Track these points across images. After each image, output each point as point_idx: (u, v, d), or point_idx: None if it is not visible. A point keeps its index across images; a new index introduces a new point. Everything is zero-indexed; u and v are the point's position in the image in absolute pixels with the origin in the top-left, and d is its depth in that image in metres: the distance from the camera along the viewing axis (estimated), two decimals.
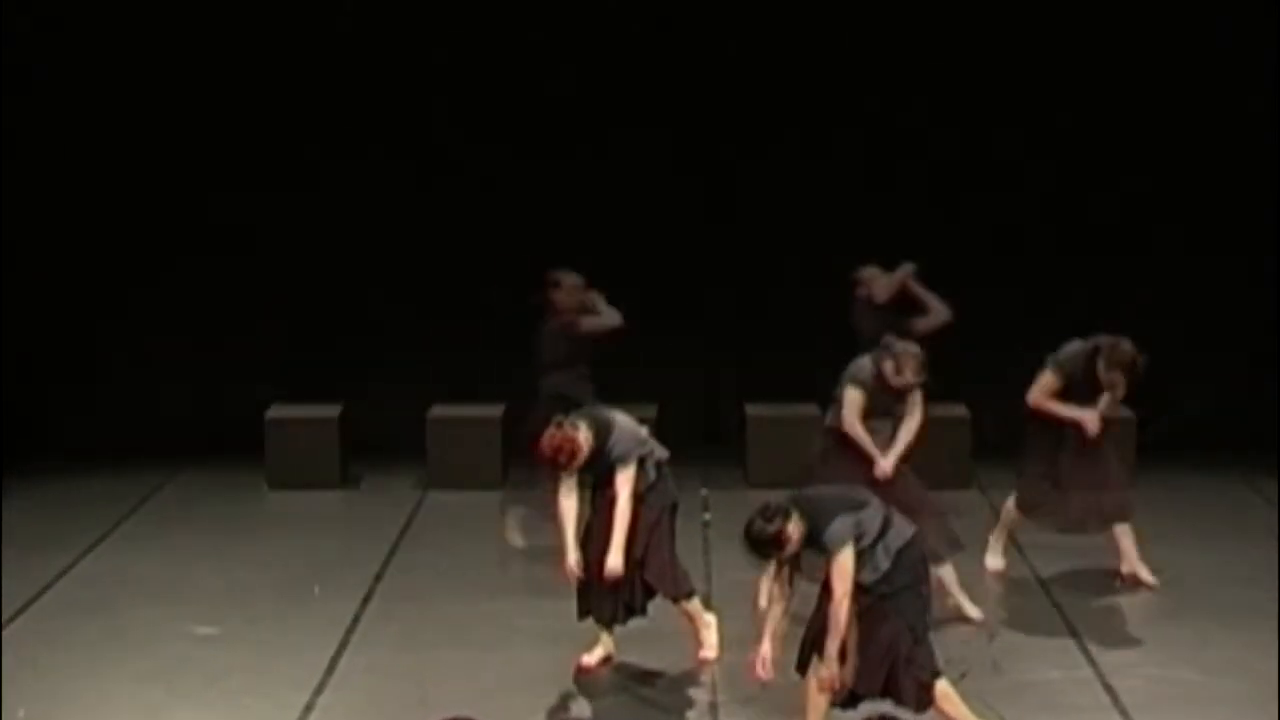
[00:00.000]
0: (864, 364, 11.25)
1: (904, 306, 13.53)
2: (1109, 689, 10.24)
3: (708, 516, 13.49)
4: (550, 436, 10.22)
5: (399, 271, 15.89)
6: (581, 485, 10.52)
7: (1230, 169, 15.60)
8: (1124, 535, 12.08)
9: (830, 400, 11.44)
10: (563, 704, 10.16)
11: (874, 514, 9.11)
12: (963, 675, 10.01)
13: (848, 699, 9.18)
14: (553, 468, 10.31)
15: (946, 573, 11.16)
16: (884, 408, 11.27)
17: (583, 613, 10.61)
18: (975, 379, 14.92)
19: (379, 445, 15.16)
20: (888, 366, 11.13)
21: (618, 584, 10.40)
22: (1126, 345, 11.49)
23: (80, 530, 13.49)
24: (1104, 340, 11.55)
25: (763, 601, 9.43)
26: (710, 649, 10.65)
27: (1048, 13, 15.55)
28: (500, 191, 15.79)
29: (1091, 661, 10.68)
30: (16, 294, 15.62)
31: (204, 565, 12.75)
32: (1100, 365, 11.54)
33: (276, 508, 14.49)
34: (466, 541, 13.35)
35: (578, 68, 15.78)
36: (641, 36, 15.76)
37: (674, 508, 10.63)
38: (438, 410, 14.99)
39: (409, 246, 15.83)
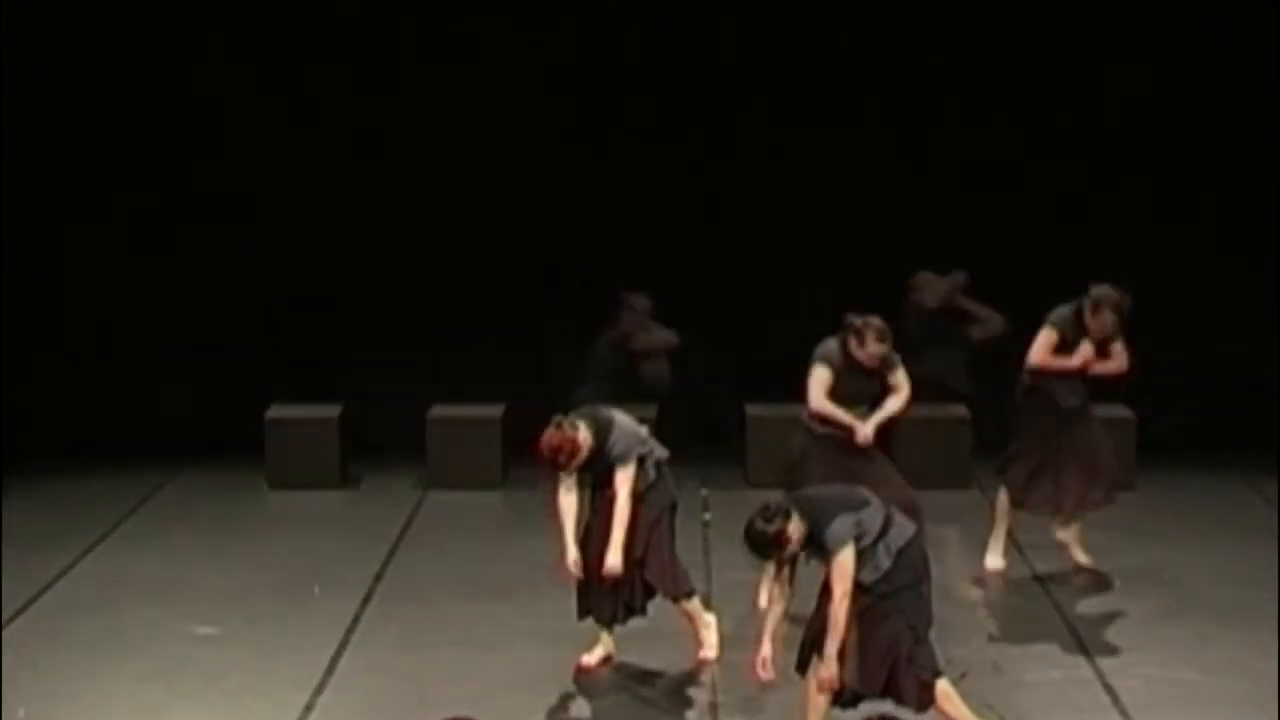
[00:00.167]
0: (830, 344, 11.21)
1: (954, 314, 13.56)
2: (1109, 689, 10.24)
3: (708, 516, 13.49)
4: (549, 436, 10.22)
5: (399, 271, 15.89)
6: (581, 485, 10.52)
7: (1230, 169, 15.61)
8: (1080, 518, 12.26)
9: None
10: (563, 704, 10.15)
11: (874, 513, 9.10)
12: (963, 675, 10.01)
13: (848, 699, 9.18)
14: (552, 467, 10.31)
15: None
16: (859, 391, 11.20)
17: (582, 613, 10.60)
18: (975, 379, 14.94)
19: (379, 445, 15.16)
20: (851, 341, 11.09)
21: (617, 583, 10.40)
22: (1108, 288, 11.64)
23: (80, 530, 13.49)
24: (1089, 293, 11.73)
25: (763, 601, 9.43)
26: (710, 649, 10.64)
27: (1047, 12, 15.55)
28: (501, 192, 15.79)
29: (1091, 661, 10.68)
30: (16, 294, 15.62)
31: (204, 565, 12.74)
32: (1086, 314, 11.67)
33: (276, 508, 14.49)
34: (466, 541, 13.35)
35: (578, 68, 15.78)
36: (642, 37, 15.76)
37: (674, 507, 10.62)
38: (438, 410, 14.99)
39: (409, 246, 15.83)
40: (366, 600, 11.90)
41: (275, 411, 14.98)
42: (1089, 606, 11.71)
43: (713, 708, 10.06)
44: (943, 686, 9.19)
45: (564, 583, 10.63)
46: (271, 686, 10.35)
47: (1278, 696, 10.00)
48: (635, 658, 10.67)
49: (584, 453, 10.27)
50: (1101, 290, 11.72)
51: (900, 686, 9.07)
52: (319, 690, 10.31)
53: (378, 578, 12.40)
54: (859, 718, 9.43)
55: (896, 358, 11.27)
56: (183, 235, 15.84)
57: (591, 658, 10.59)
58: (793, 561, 9.07)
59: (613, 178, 15.77)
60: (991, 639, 11.03)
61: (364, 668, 10.69)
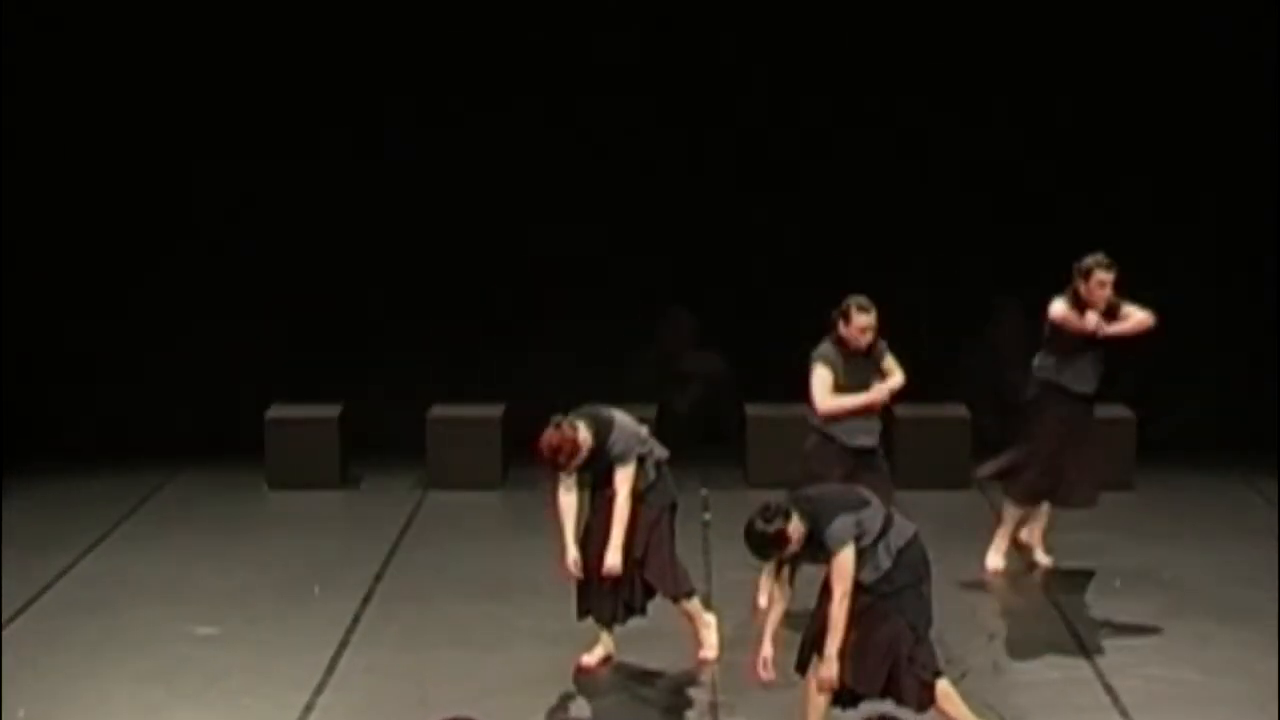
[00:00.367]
0: (822, 346, 11.15)
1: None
2: (1109, 689, 10.24)
3: (708, 516, 13.49)
4: (549, 436, 10.22)
5: (399, 272, 15.89)
6: (581, 485, 10.53)
7: (1230, 169, 15.61)
8: (1043, 517, 12.33)
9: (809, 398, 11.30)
10: (563, 704, 10.15)
11: (875, 513, 9.10)
12: (963, 675, 10.02)
13: (848, 699, 9.18)
14: (552, 467, 10.31)
15: None
16: (863, 383, 11.15)
17: (582, 613, 10.61)
18: (975, 379, 14.95)
19: (379, 445, 15.16)
20: (839, 326, 11.03)
21: (617, 583, 10.40)
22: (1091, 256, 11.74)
23: (80, 530, 13.49)
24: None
25: (763, 601, 9.42)
26: (710, 649, 10.65)
27: (1047, 12, 15.55)
28: (501, 192, 15.79)
29: (1091, 661, 10.69)
30: (16, 294, 15.63)
31: (204, 565, 12.74)
32: (1081, 286, 11.69)
33: (276, 508, 14.48)
34: (466, 541, 13.35)
35: (577, 68, 15.78)
36: (642, 36, 15.76)
37: (674, 507, 10.62)
38: (438, 410, 14.99)
39: (409, 246, 15.84)
40: (366, 600, 11.90)
41: (275, 411, 14.98)
42: (1089, 606, 11.71)
43: (713, 708, 10.06)
44: (943, 686, 9.19)
45: (564, 582, 10.63)
46: (271, 686, 10.36)
47: (1278, 696, 10.00)
48: (635, 658, 10.67)
49: (584, 452, 10.27)
50: (1085, 259, 11.74)
51: (900, 686, 9.06)
52: (319, 690, 10.31)
53: (378, 578, 12.40)
54: (859, 718, 9.43)
55: (884, 344, 11.24)
56: (183, 235, 15.84)
57: (591, 658, 10.59)
58: (793, 561, 9.07)
59: (613, 178, 15.77)
60: (991, 639, 11.03)
61: (364, 668, 10.69)
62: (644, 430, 10.58)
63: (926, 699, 9.13)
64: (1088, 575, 12.21)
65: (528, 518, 13.23)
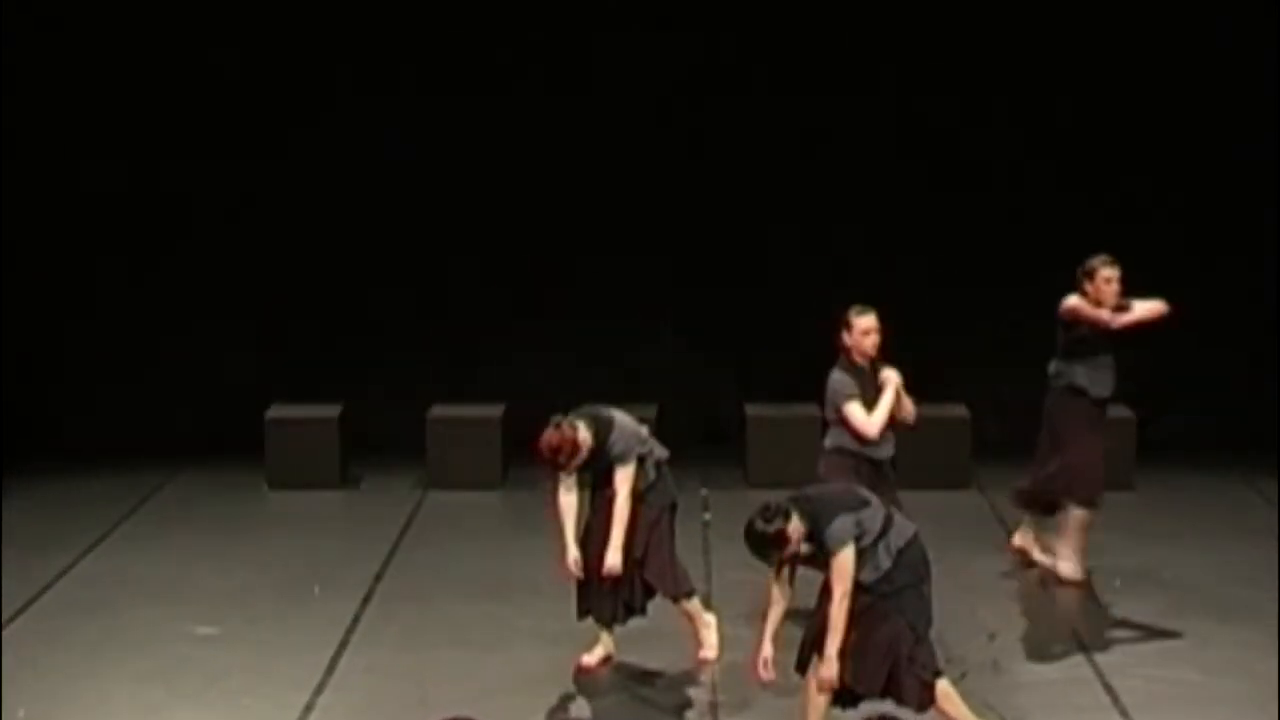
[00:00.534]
0: (834, 376, 11.01)
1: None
2: (1109, 689, 10.24)
3: (708, 516, 13.49)
4: (549, 436, 10.22)
5: (399, 271, 15.89)
6: (581, 485, 10.52)
7: (1230, 169, 15.61)
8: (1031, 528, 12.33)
9: (824, 424, 11.16)
10: (563, 704, 10.15)
11: (875, 513, 9.10)
12: (963, 675, 10.02)
13: (848, 699, 9.18)
14: (552, 467, 10.31)
15: None
16: (872, 394, 11.09)
17: (582, 613, 10.60)
18: (975, 379, 14.94)
19: (379, 445, 15.16)
20: (844, 338, 10.90)
21: (617, 583, 10.40)
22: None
23: (80, 530, 13.49)
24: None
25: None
26: (710, 649, 10.64)
27: (1047, 12, 15.54)
28: (501, 192, 15.79)
29: (1091, 661, 10.68)
30: (16, 294, 15.62)
31: (204, 565, 12.74)
32: (1088, 286, 11.67)
33: (276, 508, 14.48)
34: (466, 541, 13.35)
35: (577, 67, 15.78)
36: (642, 35, 15.76)
37: (674, 507, 10.62)
38: (438, 410, 14.99)
39: (409, 246, 15.83)
40: (366, 600, 11.90)
41: (275, 411, 14.98)
42: (1089, 606, 11.71)
43: (713, 708, 10.06)
44: (943, 686, 9.19)
45: (564, 582, 10.62)
46: (271, 686, 10.35)
47: (1278, 696, 10.00)
48: (635, 658, 10.66)
49: (584, 452, 10.27)
50: (1089, 260, 11.74)
51: (900, 686, 9.06)
52: (319, 690, 10.31)
53: (378, 578, 12.40)
54: (859, 718, 9.43)
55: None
56: (183, 235, 15.83)
57: (591, 658, 10.59)
58: (793, 561, 9.07)
59: (613, 177, 15.76)
60: (991, 639, 11.02)
61: (364, 668, 10.69)
62: (644, 430, 10.58)
63: (926, 699, 9.13)
64: (1088, 575, 12.20)
65: (528, 518, 13.23)
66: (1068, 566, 12.03)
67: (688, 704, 10.13)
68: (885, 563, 9.04)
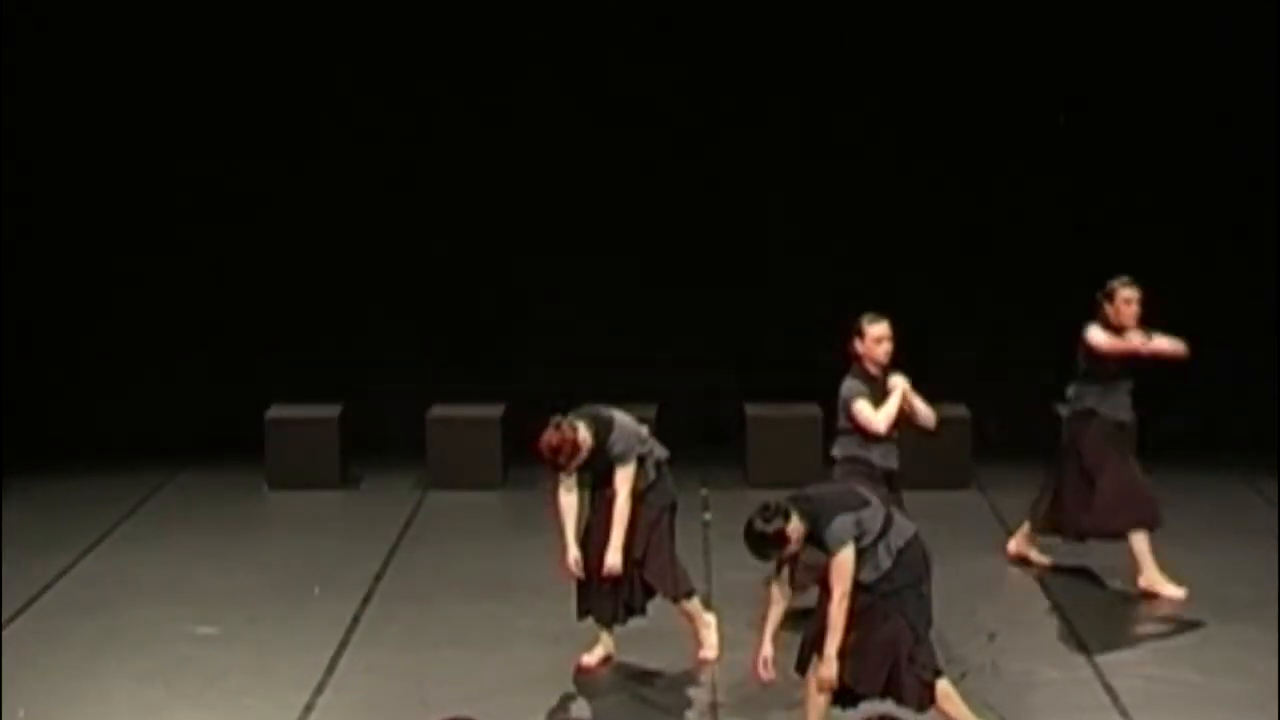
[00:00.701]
0: (846, 383, 11.04)
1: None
2: (1109, 689, 10.24)
3: (708, 516, 13.49)
4: (549, 436, 10.22)
5: (399, 272, 15.89)
6: (581, 485, 10.52)
7: (1230, 169, 15.60)
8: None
9: (835, 432, 11.15)
10: (563, 704, 10.15)
11: (875, 513, 9.10)
12: (963, 675, 10.02)
13: (848, 699, 9.18)
14: (552, 467, 10.31)
15: None
16: (882, 402, 11.11)
17: (582, 613, 10.60)
18: (975, 379, 14.94)
19: (379, 445, 15.16)
20: (855, 347, 10.92)
21: (617, 582, 10.40)
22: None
23: (80, 530, 13.48)
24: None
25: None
26: (710, 649, 10.64)
27: (1047, 13, 15.54)
28: (500, 192, 15.79)
29: (1091, 661, 10.68)
30: (16, 294, 15.62)
31: (204, 565, 12.74)
32: (1109, 311, 11.61)
33: (276, 508, 14.48)
34: (466, 541, 13.35)
35: (577, 69, 15.78)
36: (642, 34, 15.76)
37: (674, 507, 10.62)
38: (438, 410, 14.99)
39: (409, 247, 15.83)
40: (366, 600, 11.90)
41: (275, 411, 14.98)
42: (1089, 606, 11.70)
43: (713, 708, 10.06)
44: (943, 686, 9.19)
45: (564, 582, 10.62)
46: (271, 686, 10.35)
47: (1278, 696, 10.00)
48: (635, 658, 10.66)
49: (584, 452, 10.27)
50: (1109, 282, 11.68)
51: (900, 686, 9.06)
52: (319, 690, 10.31)
53: (378, 578, 12.40)
54: (859, 718, 9.43)
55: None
56: (183, 235, 15.83)
57: (591, 658, 10.59)
58: (793, 561, 9.07)
59: (612, 177, 15.76)
60: (991, 639, 11.02)
61: (364, 668, 10.69)
62: (644, 430, 10.58)
63: (926, 699, 9.13)
64: (1088, 575, 12.20)
65: (528, 518, 13.23)
66: (1169, 589, 11.85)
67: (688, 704, 10.13)
68: (885, 562, 9.04)
